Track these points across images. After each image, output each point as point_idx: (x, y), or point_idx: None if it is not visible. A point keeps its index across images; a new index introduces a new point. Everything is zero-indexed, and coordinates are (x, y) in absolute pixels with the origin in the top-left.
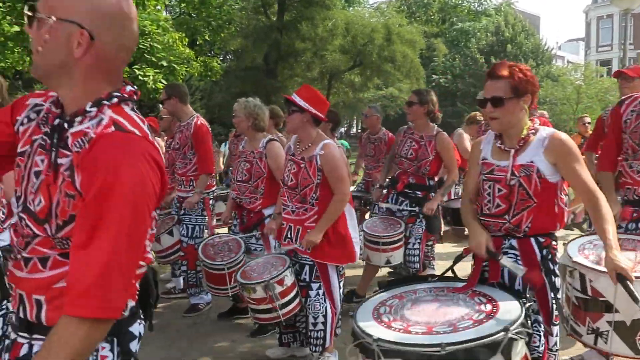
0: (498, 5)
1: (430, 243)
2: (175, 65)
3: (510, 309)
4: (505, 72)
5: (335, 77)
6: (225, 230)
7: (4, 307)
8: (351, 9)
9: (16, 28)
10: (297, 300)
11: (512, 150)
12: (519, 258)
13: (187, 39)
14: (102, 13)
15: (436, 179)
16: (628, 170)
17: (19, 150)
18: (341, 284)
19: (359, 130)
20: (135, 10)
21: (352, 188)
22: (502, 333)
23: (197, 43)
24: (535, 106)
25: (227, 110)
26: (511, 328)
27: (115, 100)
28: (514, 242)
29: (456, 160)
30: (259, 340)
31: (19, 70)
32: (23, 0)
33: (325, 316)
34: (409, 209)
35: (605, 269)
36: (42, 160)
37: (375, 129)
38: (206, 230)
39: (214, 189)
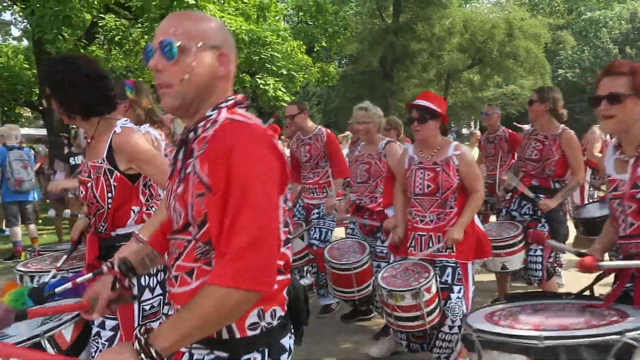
0: None
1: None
2: (294, 73)
3: (638, 319)
4: (625, 69)
5: (452, 76)
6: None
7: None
8: (468, 6)
9: None
10: (439, 308)
11: (631, 160)
12: None
13: (304, 47)
14: (225, 35)
15: (565, 182)
16: None
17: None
18: (472, 287)
19: (477, 131)
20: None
21: None
22: (616, 336)
23: (314, 50)
24: None
25: (343, 115)
26: (628, 333)
27: (230, 102)
28: None
29: (582, 161)
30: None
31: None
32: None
33: (462, 319)
34: (531, 213)
35: None
36: (180, 172)
37: (495, 127)
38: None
39: (341, 197)
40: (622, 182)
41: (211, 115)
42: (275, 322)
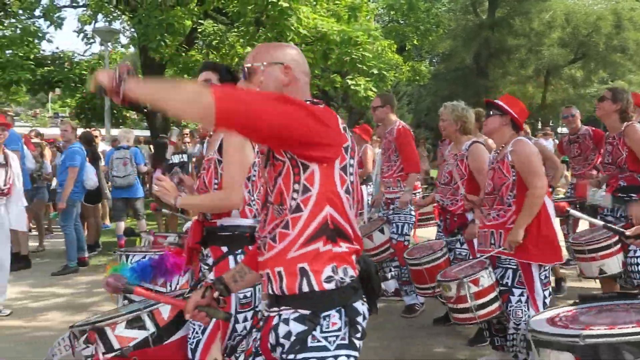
0: None
1: None
2: (385, 72)
3: None
4: None
5: (552, 73)
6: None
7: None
8: None
9: (248, 49)
10: (496, 304)
11: None
12: None
13: (395, 46)
14: (289, 53)
15: None
16: None
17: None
18: (546, 292)
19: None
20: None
21: (560, 195)
22: None
23: (406, 49)
24: None
25: (435, 114)
26: None
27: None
28: None
29: None
30: (478, 349)
31: None
32: (254, 24)
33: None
34: (626, 214)
35: None
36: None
37: (576, 128)
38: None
39: (419, 190)
40: None
41: None
42: (347, 280)
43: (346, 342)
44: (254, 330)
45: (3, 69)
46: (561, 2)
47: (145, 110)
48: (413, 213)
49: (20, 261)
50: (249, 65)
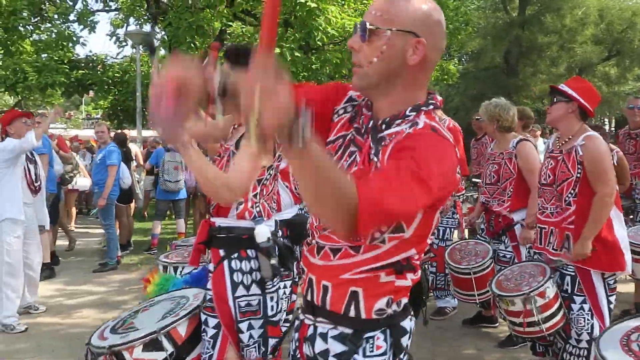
0: None
1: None
2: None
3: None
4: None
5: (585, 70)
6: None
7: (276, 282)
8: None
9: (277, 50)
10: (561, 314)
11: None
12: None
13: None
14: (429, 23)
15: None
16: None
17: (330, 138)
18: (611, 298)
19: (612, 129)
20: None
21: None
22: None
23: None
24: None
25: (464, 113)
26: None
27: (431, 107)
28: None
29: None
30: (508, 352)
31: None
32: (282, 25)
33: (590, 334)
34: None
35: None
36: (353, 155)
37: (638, 123)
38: (456, 232)
39: (463, 192)
40: None
41: (409, 116)
42: (400, 309)
43: None
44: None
45: (39, 72)
46: None
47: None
48: (457, 216)
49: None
50: (372, 25)
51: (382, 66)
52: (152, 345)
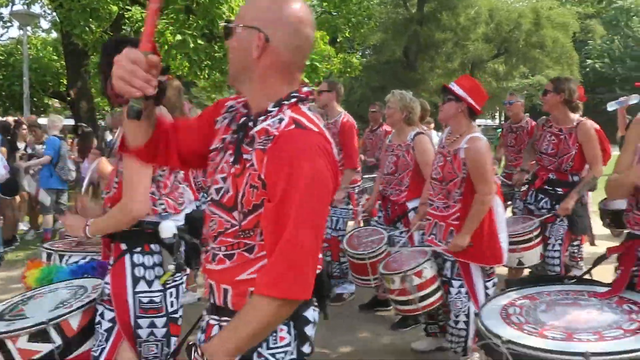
0: None
1: (577, 243)
2: (317, 64)
3: None
4: None
5: (477, 67)
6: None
7: (178, 278)
8: None
9: (178, 37)
10: (438, 294)
11: None
12: None
13: (327, 37)
14: (279, 19)
15: (582, 174)
16: None
17: (211, 146)
18: (488, 284)
19: (502, 122)
20: (312, 15)
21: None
22: None
23: (337, 40)
24: None
25: (367, 105)
26: None
27: (293, 100)
28: None
29: (600, 154)
30: (400, 334)
31: (179, 76)
32: (184, 12)
33: (467, 315)
34: (548, 207)
35: None
36: (231, 155)
37: (519, 117)
38: (352, 222)
39: (359, 183)
40: None
41: (272, 111)
42: (301, 300)
43: (295, 357)
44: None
45: None
46: None
47: (69, 98)
48: (350, 207)
49: None
50: (227, 23)
51: (234, 61)
52: (39, 336)
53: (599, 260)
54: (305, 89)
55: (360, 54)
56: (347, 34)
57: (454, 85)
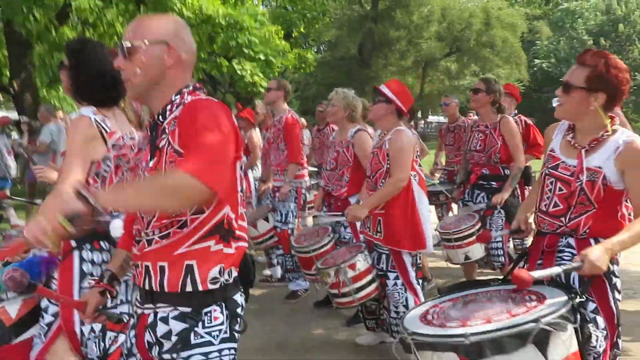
0: None
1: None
2: (272, 58)
3: (554, 302)
4: (590, 61)
5: (430, 65)
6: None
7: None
8: None
9: None
10: (373, 286)
11: (583, 150)
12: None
13: (282, 32)
14: (174, 31)
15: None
16: None
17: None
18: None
19: None
20: (183, 22)
21: (435, 181)
22: (532, 323)
23: (292, 35)
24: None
25: (321, 100)
26: (543, 319)
27: (191, 88)
28: (571, 241)
29: (521, 147)
30: (354, 329)
31: None
32: (134, 2)
33: (406, 306)
34: (486, 202)
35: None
36: (148, 152)
37: (455, 117)
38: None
39: (306, 178)
40: (564, 165)
41: (175, 99)
42: (231, 280)
43: (228, 335)
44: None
45: None
46: None
47: (12, 90)
48: (296, 202)
49: None
50: (128, 43)
51: (146, 77)
52: None
53: (520, 258)
54: (198, 84)
55: (315, 49)
56: (302, 30)
57: (385, 88)
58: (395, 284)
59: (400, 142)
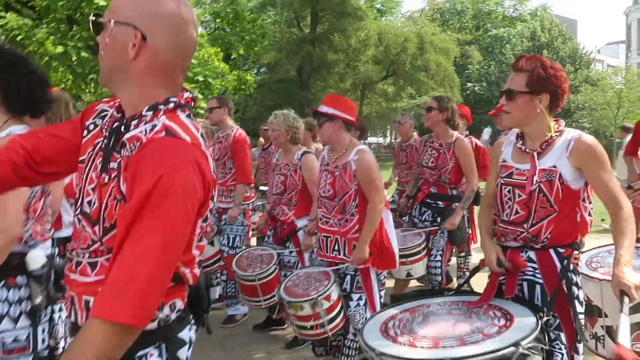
0: (533, 10)
1: (463, 254)
2: (211, 80)
3: (524, 323)
4: (526, 66)
5: (368, 87)
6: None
7: (47, 314)
8: (384, 19)
9: (60, 49)
10: (342, 314)
11: (535, 153)
12: (537, 271)
13: (221, 54)
14: (157, 15)
15: (461, 188)
16: None
17: (81, 157)
18: (382, 293)
19: (393, 140)
20: (194, 15)
21: (387, 197)
22: (513, 348)
23: (232, 57)
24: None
25: (261, 122)
26: (523, 343)
27: (171, 105)
28: (532, 255)
29: (475, 169)
30: (295, 352)
31: (62, 89)
32: (66, 22)
33: (363, 338)
34: (431, 219)
35: (592, 274)
36: (100, 162)
37: (408, 136)
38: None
39: (253, 199)
40: (518, 171)
41: (147, 115)
42: (173, 315)
43: None
44: None
45: None
46: (375, 22)
47: None
48: (246, 223)
49: None
50: (97, 17)
51: (108, 59)
52: None
53: (474, 271)
54: (187, 95)
55: (255, 71)
56: (241, 52)
57: (323, 107)
58: (358, 304)
59: (368, 162)
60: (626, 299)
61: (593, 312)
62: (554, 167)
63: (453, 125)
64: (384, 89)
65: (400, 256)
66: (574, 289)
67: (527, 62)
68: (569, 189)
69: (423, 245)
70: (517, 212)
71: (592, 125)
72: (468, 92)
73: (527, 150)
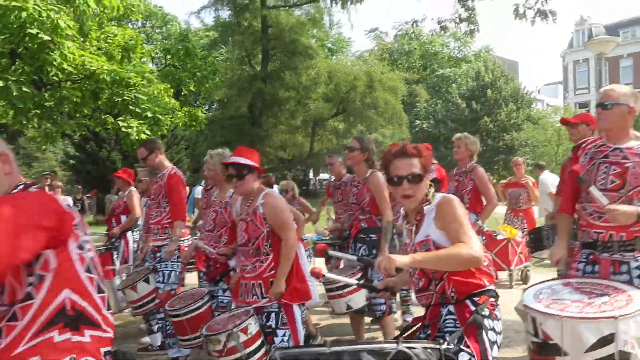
0: (477, 52)
1: (406, 287)
2: (160, 116)
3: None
4: (416, 152)
5: (319, 124)
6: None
7: None
8: (334, 57)
9: (0, 83)
10: (263, 350)
11: (413, 228)
12: (457, 322)
13: (172, 90)
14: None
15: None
16: (582, 212)
17: None
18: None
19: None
20: None
21: (326, 238)
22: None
23: (182, 94)
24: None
25: None
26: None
27: (21, 187)
28: (451, 308)
29: (388, 202)
30: None
31: (3, 124)
32: (8, 56)
33: None
34: (367, 254)
35: (552, 312)
36: None
37: (340, 175)
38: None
39: (188, 237)
40: (409, 245)
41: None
42: None
43: None
44: None
45: None
46: (325, 61)
47: None
48: (180, 261)
49: None
50: None
51: None
52: None
53: (405, 330)
54: (30, 182)
55: (206, 108)
56: (192, 88)
57: (240, 159)
58: (282, 340)
59: (275, 204)
60: None
61: (550, 350)
62: (427, 236)
63: (371, 165)
64: (335, 125)
65: (337, 288)
66: (483, 331)
67: (413, 147)
68: (444, 248)
69: (358, 276)
70: (420, 280)
71: (534, 162)
72: (417, 129)
73: (408, 226)
